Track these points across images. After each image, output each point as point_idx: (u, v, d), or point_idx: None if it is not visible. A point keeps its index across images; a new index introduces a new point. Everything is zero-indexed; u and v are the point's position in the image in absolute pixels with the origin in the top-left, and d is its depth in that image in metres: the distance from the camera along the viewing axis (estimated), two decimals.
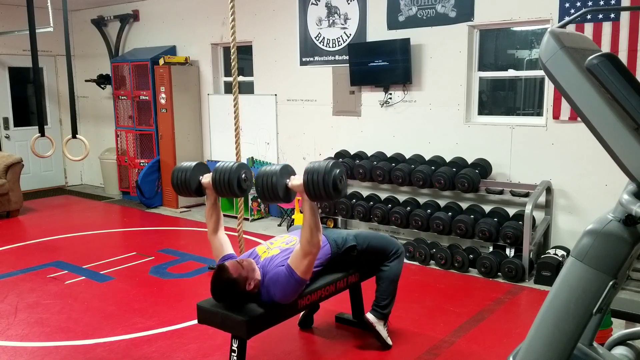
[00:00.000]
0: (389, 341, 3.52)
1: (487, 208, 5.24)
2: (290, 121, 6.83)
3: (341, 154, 6.12)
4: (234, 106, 4.25)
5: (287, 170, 2.95)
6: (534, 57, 5.26)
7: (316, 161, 2.86)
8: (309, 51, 6.50)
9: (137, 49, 8.27)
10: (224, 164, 3.17)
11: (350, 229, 6.19)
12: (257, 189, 2.93)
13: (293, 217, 6.21)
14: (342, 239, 3.39)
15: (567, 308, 1.71)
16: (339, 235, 3.44)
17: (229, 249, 3.26)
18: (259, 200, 6.94)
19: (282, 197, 2.90)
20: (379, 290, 3.50)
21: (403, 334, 3.72)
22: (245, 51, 7.21)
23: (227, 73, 7.67)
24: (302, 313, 3.77)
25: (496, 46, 5.57)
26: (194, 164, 3.29)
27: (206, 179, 3.25)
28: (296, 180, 2.88)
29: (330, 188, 2.74)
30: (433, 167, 5.30)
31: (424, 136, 5.70)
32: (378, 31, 5.86)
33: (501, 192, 5.17)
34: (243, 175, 3.17)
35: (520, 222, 4.77)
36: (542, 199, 4.94)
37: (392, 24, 5.75)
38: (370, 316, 3.50)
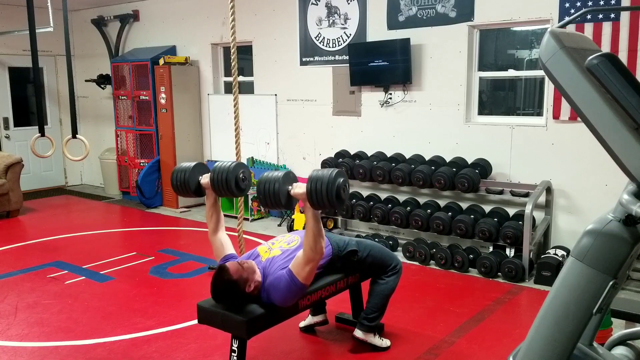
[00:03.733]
0: (385, 344, 3.52)
1: (487, 208, 5.24)
2: (290, 121, 6.83)
3: (341, 154, 6.12)
4: (234, 106, 4.25)
5: (290, 177, 2.94)
6: (534, 57, 5.26)
7: (319, 169, 2.87)
8: (309, 51, 6.50)
9: (137, 49, 8.27)
10: (222, 163, 3.18)
11: (350, 230, 6.20)
12: (258, 196, 2.94)
13: (293, 217, 6.21)
14: (343, 242, 3.41)
15: (567, 308, 1.71)
16: (341, 238, 3.47)
17: (230, 249, 3.27)
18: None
19: (284, 204, 2.91)
20: (371, 302, 3.48)
21: (403, 334, 3.72)
22: (245, 51, 7.21)
23: (227, 73, 7.67)
24: (306, 321, 3.79)
25: (496, 46, 5.57)
26: (193, 164, 3.31)
27: (205, 179, 3.26)
28: (299, 189, 2.88)
29: (333, 197, 2.75)
30: (433, 167, 5.30)
31: (424, 136, 5.70)
32: (378, 31, 5.86)
33: (501, 192, 5.17)
34: (241, 175, 3.17)
35: (520, 222, 4.77)
36: (542, 199, 4.94)
37: (392, 24, 5.75)
38: (359, 333, 3.49)
